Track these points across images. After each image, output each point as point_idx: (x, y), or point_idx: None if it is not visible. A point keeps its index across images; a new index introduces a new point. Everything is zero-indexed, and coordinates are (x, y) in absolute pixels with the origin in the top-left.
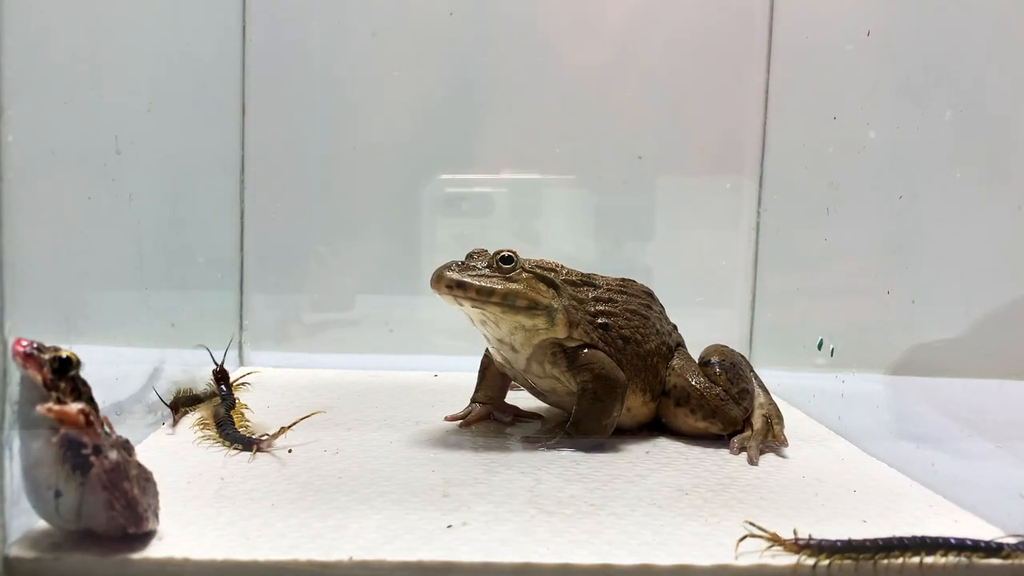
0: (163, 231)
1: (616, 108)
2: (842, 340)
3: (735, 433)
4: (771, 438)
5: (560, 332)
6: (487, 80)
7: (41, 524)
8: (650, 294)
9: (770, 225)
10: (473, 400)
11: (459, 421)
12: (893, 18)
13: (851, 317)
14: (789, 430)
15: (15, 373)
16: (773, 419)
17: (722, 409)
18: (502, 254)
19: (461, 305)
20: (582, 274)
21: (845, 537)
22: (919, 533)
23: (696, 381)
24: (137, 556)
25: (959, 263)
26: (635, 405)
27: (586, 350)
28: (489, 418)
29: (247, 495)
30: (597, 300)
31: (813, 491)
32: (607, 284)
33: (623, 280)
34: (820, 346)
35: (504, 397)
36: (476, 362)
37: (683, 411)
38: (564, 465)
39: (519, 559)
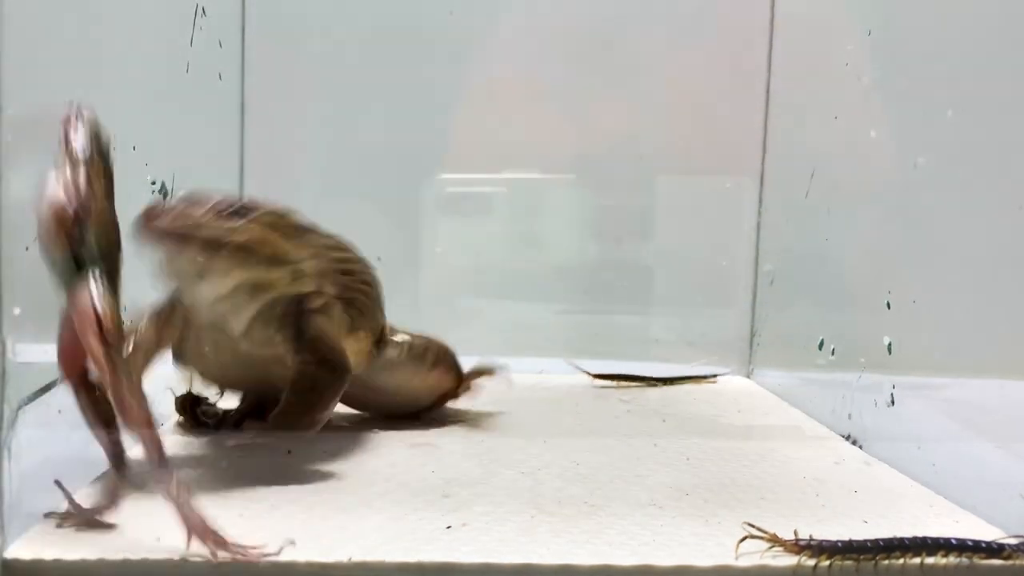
0: None
1: (616, 107)
2: (842, 340)
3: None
4: None
5: (304, 286)
6: (487, 79)
7: (40, 524)
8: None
9: (770, 225)
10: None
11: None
12: (893, 18)
13: (851, 317)
14: (790, 430)
15: (15, 373)
16: None
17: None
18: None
19: (177, 255)
20: (311, 223)
21: (846, 538)
22: (920, 533)
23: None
24: (137, 556)
25: (959, 263)
26: (367, 351)
27: (324, 319)
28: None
29: (246, 495)
30: (337, 250)
31: (813, 491)
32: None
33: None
34: (821, 346)
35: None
36: (476, 362)
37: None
38: (564, 465)
39: (519, 560)
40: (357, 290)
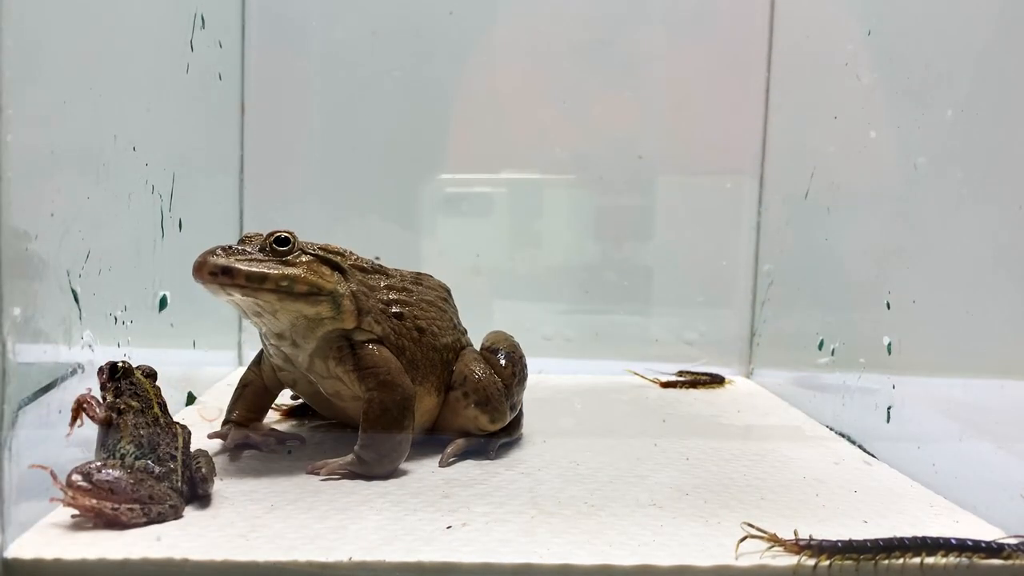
0: (163, 231)
1: (616, 108)
2: (842, 340)
3: (494, 434)
4: None
5: (348, 321)
6: (487, 80)
7: (40, 524)
8: (447, 290)
9: (770, 225)
10: (227, 420)
11: (222, 440)
12: (893, 18)
13: (851, 317)
14: (790, 430)
15: (15, 373)
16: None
17: (496, 399)
18: (277, 235)
19: (231, 295)
20: (374, 262)
21: (846, 537)
22: (920, 533)
23: (479, 369)
24: (137, 556)
25: (959, 263)
26: (431, 407)
27: (375, 347)
28: (246, 442)
29: (246, 496)
30: (390, 288)
31: (814, 491)
32: (400, 275)
33: (418, 273)
34: (821, 346)
35: (263, 419)
36: None
37: (456, 394)
38: (564, 466)
39: (519, 560)
40: (407, 336)
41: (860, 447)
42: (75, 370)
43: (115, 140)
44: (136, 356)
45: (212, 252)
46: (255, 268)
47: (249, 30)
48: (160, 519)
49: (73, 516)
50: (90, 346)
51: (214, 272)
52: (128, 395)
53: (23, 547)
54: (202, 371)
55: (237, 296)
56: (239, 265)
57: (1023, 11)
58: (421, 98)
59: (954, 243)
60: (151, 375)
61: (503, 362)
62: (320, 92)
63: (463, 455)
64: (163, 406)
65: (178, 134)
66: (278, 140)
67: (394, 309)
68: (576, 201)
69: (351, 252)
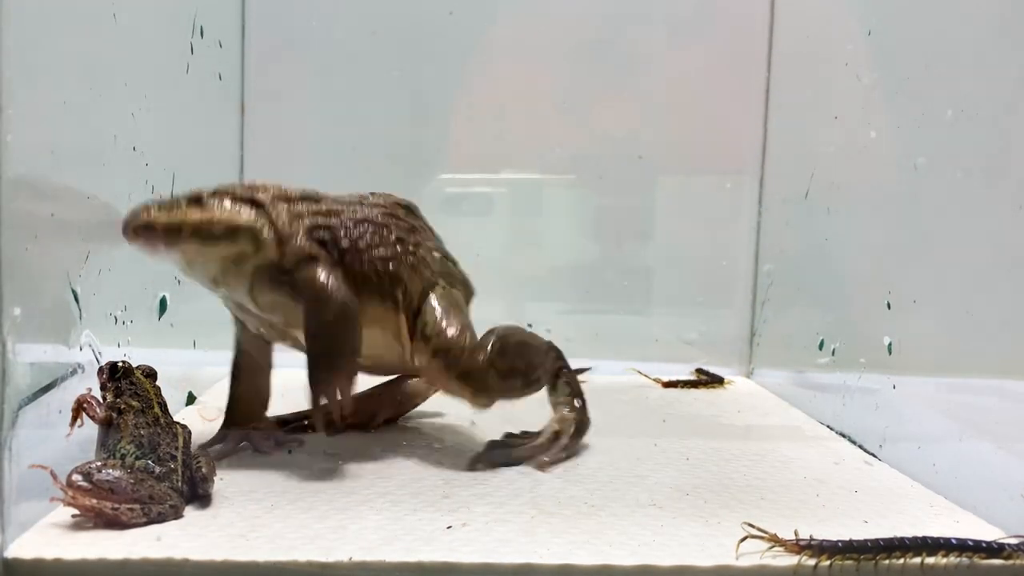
0: None
1: (616, 108)
2: (842, 340)
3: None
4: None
5: (270, 252)
6: (487, 80)
7: (40, 524)
8: (408, 208)
9: (770, 225)
10: (225, 425)
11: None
12: (893, 18)
13: (851, 317)
14: (790, 430)
15: (15, 373)
16: (563, 435)
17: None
18: (194, 193)
19: (156, 250)
20: (305, 191)
21: (846, 538)
22: (920, 533)
23: (446, 321)
24: (137, 556)
25: (959, 263)
26: (379, 318)
27: (305, 267)
28: (245, 445)
29: (246, 495)
30: (317, 213)
31: (814, 491)
32: (337, 199)
33: (371, 194)
34: (821, 346)
35: (264, 413)
36: None
37: (420, 344)
38: (564, 466)
39: (519, 560)
40: (356, 252)
41: (860, 447)
42: (75, 370)
43: (115, 140)
44: (136, 356)
45: (134, 212)
46: (172, 219)
47: (249, 30)
48: (160, 519)
49: (73, 516)
50: (90, 346)
51: (136, 230)
52: (128, 395)
53: (23, 547)
54: (202, 371)
55: (162, 249)
56: (158, 218)
57: (1023, 11)
58: (421, 98)
59: (954, 243)
60: (151, 375)
61: (493, 339)
62: (320, 92)
63: (496, 463)
64: (163, 406)
65: (178, 134)
66: (278, 140)
67: (317, 235)
68: (576, 201)
69: (279, 184)
